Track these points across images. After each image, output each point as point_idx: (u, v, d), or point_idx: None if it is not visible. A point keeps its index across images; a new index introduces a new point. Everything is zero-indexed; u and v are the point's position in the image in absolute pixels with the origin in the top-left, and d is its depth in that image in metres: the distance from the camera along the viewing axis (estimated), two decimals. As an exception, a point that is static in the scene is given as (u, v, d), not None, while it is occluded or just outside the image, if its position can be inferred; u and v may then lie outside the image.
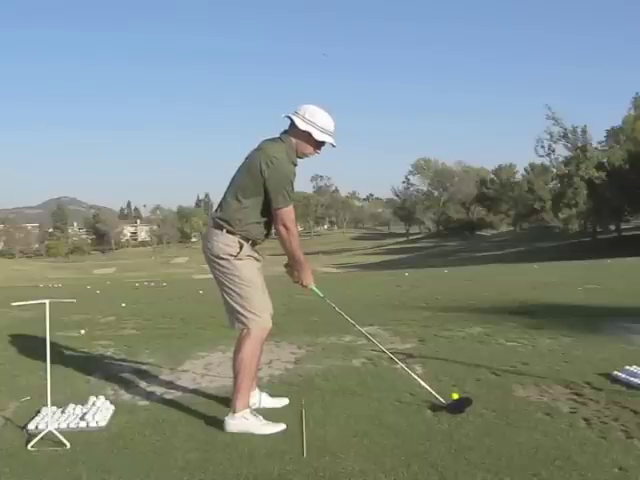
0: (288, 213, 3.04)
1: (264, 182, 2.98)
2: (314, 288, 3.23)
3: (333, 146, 3.14)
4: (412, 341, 5.16)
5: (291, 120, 3.08)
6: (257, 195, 3.03)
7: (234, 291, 3.06)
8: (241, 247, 3.04)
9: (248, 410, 3.01)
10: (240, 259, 3.05)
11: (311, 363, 4.41)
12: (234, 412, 2.98)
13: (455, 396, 3.19)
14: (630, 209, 56.71)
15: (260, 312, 3.05)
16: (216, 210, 3.21)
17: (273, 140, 3.11)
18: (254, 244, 3.13)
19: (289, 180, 3.02)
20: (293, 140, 3.09)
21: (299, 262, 3.15)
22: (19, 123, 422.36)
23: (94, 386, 3.89)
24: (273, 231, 3.18)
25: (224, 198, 3.16)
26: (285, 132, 3.13)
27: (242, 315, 3.04)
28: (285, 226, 3.04)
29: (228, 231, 3.07)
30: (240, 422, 2.95)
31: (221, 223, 3.09)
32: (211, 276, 3.19)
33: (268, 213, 3.07)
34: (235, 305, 3.06)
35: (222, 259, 3.06)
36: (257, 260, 3.16)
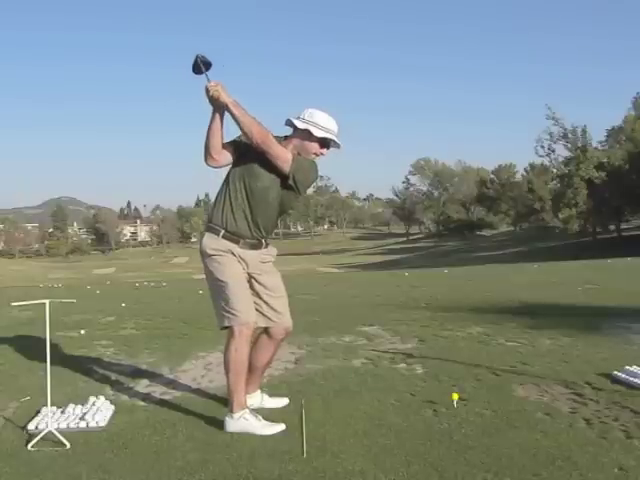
0: None
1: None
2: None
3: (338, 147, 3.10)
4: (412, 341, 5.15)
5: (293, 126, 3.06)
6: (235, 180, 3.00)
7: (211, 289, 3.05)
8: (210, 242, 2.99)
9: (247, 410, 3.00)
10: (209, 255, 2.99)
11: (311, 363, 4.41)
12: (232, 412, 2.97)
13: (455, 396, 3.19)
14: (630, 209, 56.70)
15: (238, 310, 2.94)
16: None
17: None
18: (232, 239, 2.99)
19: None
20: (286, 140, 3.06)
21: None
22: (19, 123, 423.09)
23: (94, 386, 3.88)
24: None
25: None
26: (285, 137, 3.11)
27: (221, 313, 2.98)
28: None
29: (206, 227, 3.08)
30: (240, 422, 2.93)
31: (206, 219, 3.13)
32: None
33: (251, 205, 2.99)
34: (214, 303, 3.04)
35: (202, 258, 3.05)
36: (234, 254, 2.99)
